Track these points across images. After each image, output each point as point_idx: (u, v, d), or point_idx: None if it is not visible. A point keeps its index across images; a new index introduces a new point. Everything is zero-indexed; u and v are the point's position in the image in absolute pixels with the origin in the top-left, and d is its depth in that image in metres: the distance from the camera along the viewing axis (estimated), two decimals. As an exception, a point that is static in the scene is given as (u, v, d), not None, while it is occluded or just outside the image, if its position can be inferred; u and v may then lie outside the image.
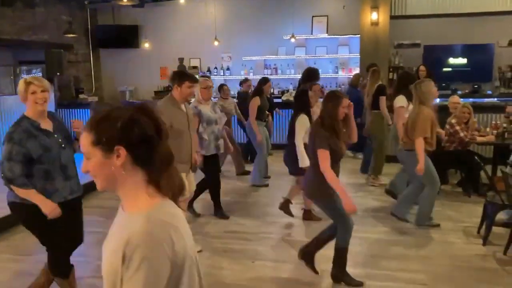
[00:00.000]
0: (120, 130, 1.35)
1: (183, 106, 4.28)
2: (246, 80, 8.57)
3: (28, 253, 4.53)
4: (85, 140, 1.39)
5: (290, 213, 5.28)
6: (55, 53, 9.05)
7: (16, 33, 9.02)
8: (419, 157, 4.59)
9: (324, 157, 3.45)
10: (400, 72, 8.32)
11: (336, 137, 3.53)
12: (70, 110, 10.00)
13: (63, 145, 3.23)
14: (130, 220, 1.35)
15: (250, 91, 8.05)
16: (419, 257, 4.28)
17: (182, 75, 4.26)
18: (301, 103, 5.00)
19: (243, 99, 7.91)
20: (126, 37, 11.23)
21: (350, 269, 3.99)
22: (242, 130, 8.17)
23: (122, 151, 1.36)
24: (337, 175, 3.58)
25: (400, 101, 5.66)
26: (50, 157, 3.13)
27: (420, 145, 4.61)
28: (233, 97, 8.55)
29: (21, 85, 3.15)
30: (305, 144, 4.51)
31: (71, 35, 9.84)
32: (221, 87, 7.75)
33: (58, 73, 8.88)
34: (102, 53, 11.66)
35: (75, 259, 4.28)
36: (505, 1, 8.82)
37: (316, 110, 4.55)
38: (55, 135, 3.21)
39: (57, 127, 3.26)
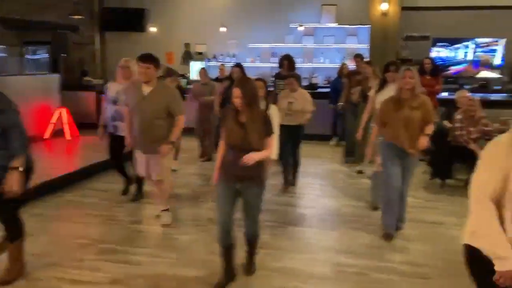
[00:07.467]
0: None
1: (145, 87, 4.36)
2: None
3: None
4: None
5: None
6: (61, 34, 8.97)
7: (23, 13, 8.94)
8: None
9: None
10: None
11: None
12: (75, 92, 9.96)
13: None
14: None
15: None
16: (422, 251, 4.25)
17: None
18: None
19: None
20: (133, 21, 11.12)
21: (354, 260, 3.99)
22: None
23: None
24: None
25: None
26: None
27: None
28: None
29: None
30: None
31: (77, 17, 9.75)
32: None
33: (63, 54, 8.80)
34: (108, 36, 11.58)
35: (77, 241, 4.32)
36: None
37: None
38: None
39: None
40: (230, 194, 3.38)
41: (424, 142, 4.24)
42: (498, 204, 2.07)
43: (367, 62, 6.95)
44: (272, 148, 3.48)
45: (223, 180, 3.39)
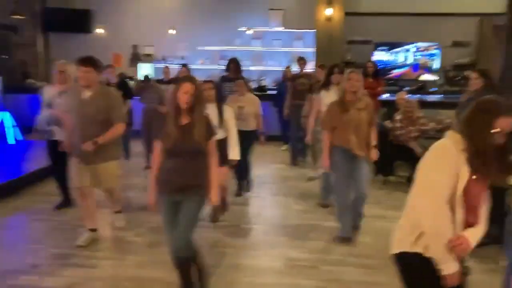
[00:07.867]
0: None
1: (85, 91, 4.04)
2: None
3: None
4: None
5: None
6: (1, 35, 8.63)
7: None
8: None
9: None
10: None
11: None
12: (17, 95, 9.60)
13: None
14: None
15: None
16: (368, 243, 4.51)
17: None
18: None
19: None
20: (78, 21, 10.85)
21: (305, 255, 4.19)
22: None
23: None
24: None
25: None
26: None
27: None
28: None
29: None
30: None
31: (18, 17, 9.39)
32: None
33: (4, 56, 8.46)
34: (51, 37, 11.21)
35: (29, 247, 4.24)
36: (450, 3, 9.35)
37: None
38: None
39: None
40: (174, 211, 3.08)
41: (375, 154, 4.50)
42: (451, 207, 2.11)
43: (320, 66, 6.95)
44: (216, 153, 3.20)
45: (164, 193, 3.09)
